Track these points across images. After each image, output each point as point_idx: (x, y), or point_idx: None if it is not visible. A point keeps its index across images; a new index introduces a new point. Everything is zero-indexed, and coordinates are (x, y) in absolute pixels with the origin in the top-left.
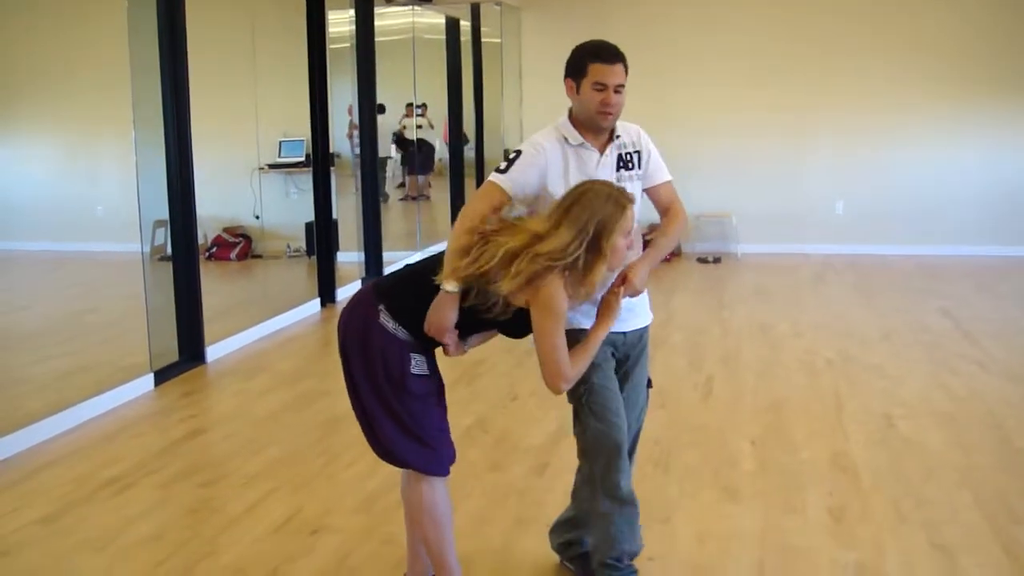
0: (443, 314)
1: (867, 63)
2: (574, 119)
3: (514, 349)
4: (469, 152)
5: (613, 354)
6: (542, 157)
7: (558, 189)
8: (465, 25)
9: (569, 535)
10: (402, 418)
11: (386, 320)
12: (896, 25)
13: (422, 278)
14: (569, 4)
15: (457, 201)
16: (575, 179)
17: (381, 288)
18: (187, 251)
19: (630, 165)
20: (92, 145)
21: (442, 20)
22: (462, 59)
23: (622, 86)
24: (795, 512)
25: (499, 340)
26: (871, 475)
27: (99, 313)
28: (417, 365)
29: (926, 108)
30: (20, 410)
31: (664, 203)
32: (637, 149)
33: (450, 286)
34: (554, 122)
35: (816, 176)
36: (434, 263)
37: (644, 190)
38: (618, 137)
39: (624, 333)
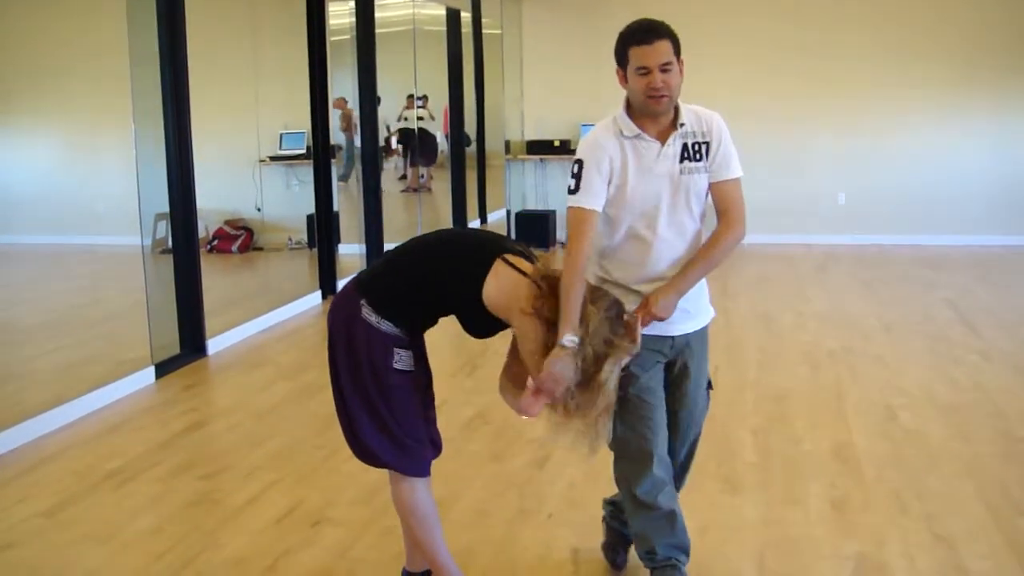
0: (564, 373)
1: (869, 52)
2: (631, 109)
3: None
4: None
5: (658, 361)
6: (604, 160)
7: (622, 184)
8: (466, 16)
9: (615, 510)
10: (383, 417)
11: (368, 314)
12: (898, 13)
13: (403, 266)
14: None
15: (458, 193)
16: (633, 173)
17: (362, 282)
18: (187, 244)
19: (697, 156)
20: (92, 138)
21: (443, 11)
22: (463, 50)
23: (669, 64)
24: (796, 503)
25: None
26: (873, 466)
27: (100, 307)
28: (400, 360)
29: (929, 97)
30: (22, 404)
31: (722, 204)
32: (707, 139)
33: (568, 341)
34: (614, 112)
35: (818, 166)
36: (413, 248)
37: (710, 185)
38: (682, 125)
39: (672, 337)
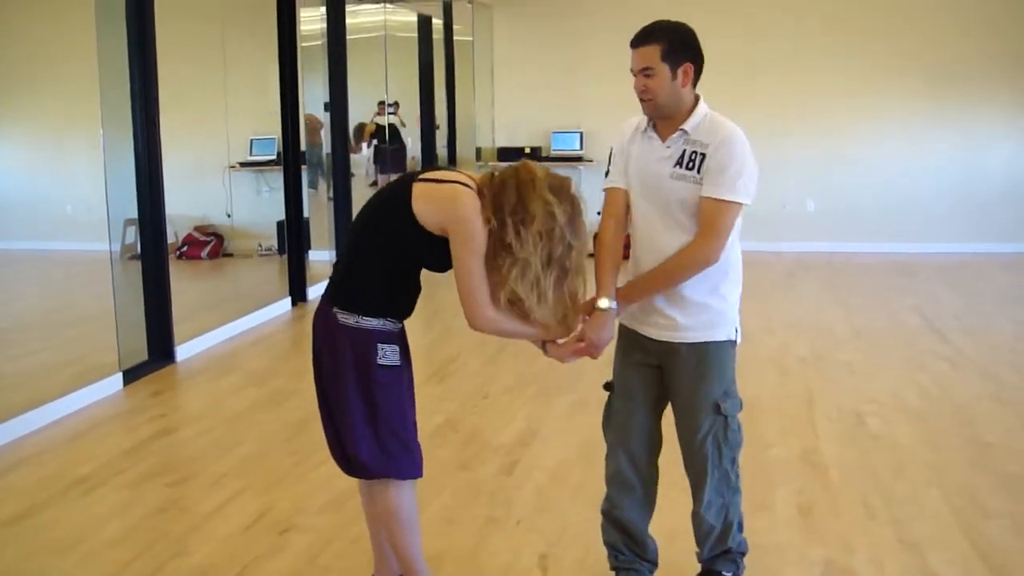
0: (607, 334)
1: (838, 61)
2: None
3: (485, 347)
4: (441, 150)
5: (639, 362)
6: (620, 144)
7: (629, 175)
8: (437, 23)
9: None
10: (372, 422)
11: (346, 318)
12: (866, 24)
13: (350, 251)
14: (540, 2)
15: None
16: (632, 164)
17: (328, 293)
18: (156, 250)
19: (690, 165)
20: (61, 143)
21: (414, 18)
22: (434, 57)
23: (649, 69)
24: (765, 509)
25: (471, 339)
26: (841, 472)
27: (68, 312)
28: (385, 356)
29: (897, 106)
30: None
31: (700, 222)
32: (704, 151)
33: (604, 304)
34: None
35: (787, 174)
36: (350, 233)
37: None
38: (683, 131)
39: (650, 339)
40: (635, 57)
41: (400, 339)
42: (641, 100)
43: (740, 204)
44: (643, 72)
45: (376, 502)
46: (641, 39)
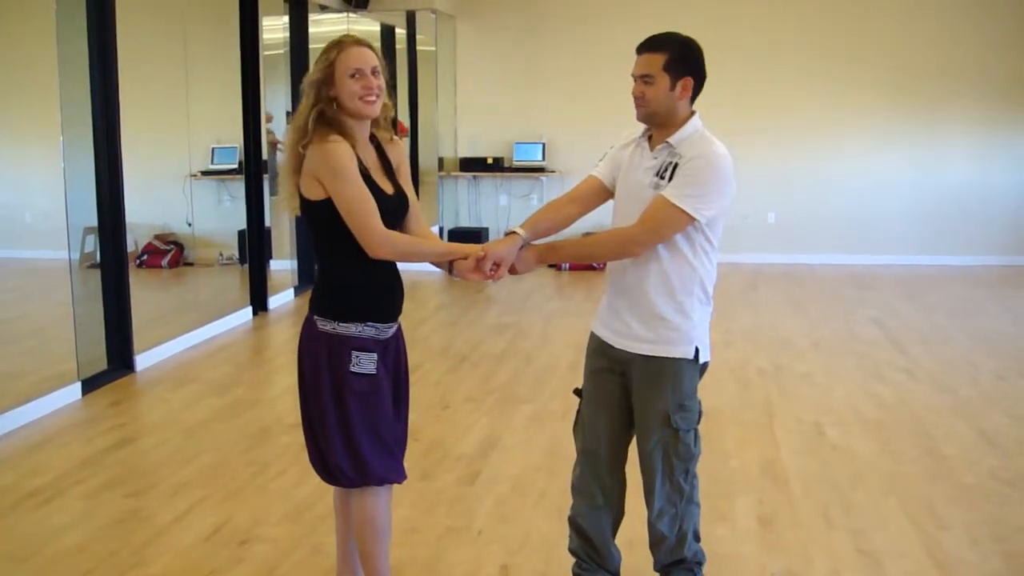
0: (510, 255)
1: (799, 74)
2: None
3: (446, 357)
4: None
5: (604, 367)
6: (616, 147)
7: (618, 178)
8: (400, 33)
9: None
10: (345, 431)
11: (324, 324)
12: (827, 37)
13: (318, 264)
14: (503, 13)
15: None
16: (623, 171)
17: (310, 303)
18: (116, 258)
19: (665, 175)
20: (20, 150)
21: (377, 28)
22: (397, 67)
23: (647, 76)
24: (724, 520)
25: (432, 349)
26: (801, 483)
27: (26, 321)
28: (359, 363)
29: (858, 119)
30: None
31: (641, 214)
32: (678, 162)
33: (520, 230)
34: None
35: (749, 186)
36: (317, 244)
37: None
38: (669, 144)
39: (610, 345)
40: (638, 62)
41: (382, 346)
42: (636, 106)
43: (683, 212)
44: (643, 78)
45: (353, 510)
46: (647, 46)
